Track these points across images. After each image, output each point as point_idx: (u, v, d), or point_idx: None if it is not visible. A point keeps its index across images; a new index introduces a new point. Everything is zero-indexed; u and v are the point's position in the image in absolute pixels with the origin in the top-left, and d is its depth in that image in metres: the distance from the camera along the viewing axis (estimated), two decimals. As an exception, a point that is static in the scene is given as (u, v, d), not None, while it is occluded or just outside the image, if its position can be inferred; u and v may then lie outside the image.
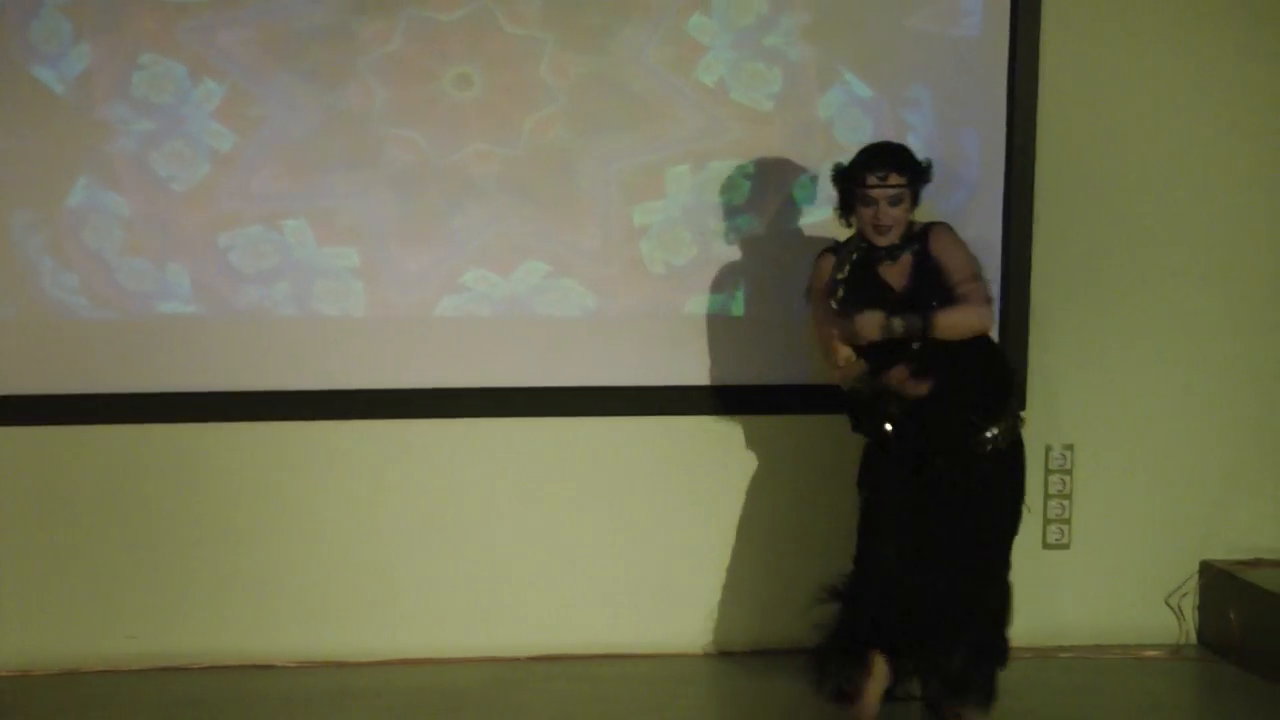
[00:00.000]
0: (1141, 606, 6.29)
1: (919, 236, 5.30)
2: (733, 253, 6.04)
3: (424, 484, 6.04)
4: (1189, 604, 6.31)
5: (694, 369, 6.07)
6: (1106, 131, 6.13)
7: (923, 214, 5.37)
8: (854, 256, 5.28)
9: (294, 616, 6.03)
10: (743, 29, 5.99)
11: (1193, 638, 6.31)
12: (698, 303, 6.07)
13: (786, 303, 5.95)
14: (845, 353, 5.25)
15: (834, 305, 5.24)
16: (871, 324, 5.16)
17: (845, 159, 5.29)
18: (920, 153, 5.30)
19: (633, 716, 5.62)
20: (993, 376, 5.31)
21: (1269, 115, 6.18)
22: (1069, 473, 6.22)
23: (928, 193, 5.35)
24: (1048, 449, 6.18)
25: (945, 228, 5.36)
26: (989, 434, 5.24)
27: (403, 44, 5.87)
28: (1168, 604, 6.31)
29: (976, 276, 5.27)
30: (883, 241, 5.25)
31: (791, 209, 6.04)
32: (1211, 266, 6.22)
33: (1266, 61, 6.16)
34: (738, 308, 6.07)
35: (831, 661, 5.42)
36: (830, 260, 5.33)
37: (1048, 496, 6.21)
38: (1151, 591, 6.30)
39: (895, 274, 5.28)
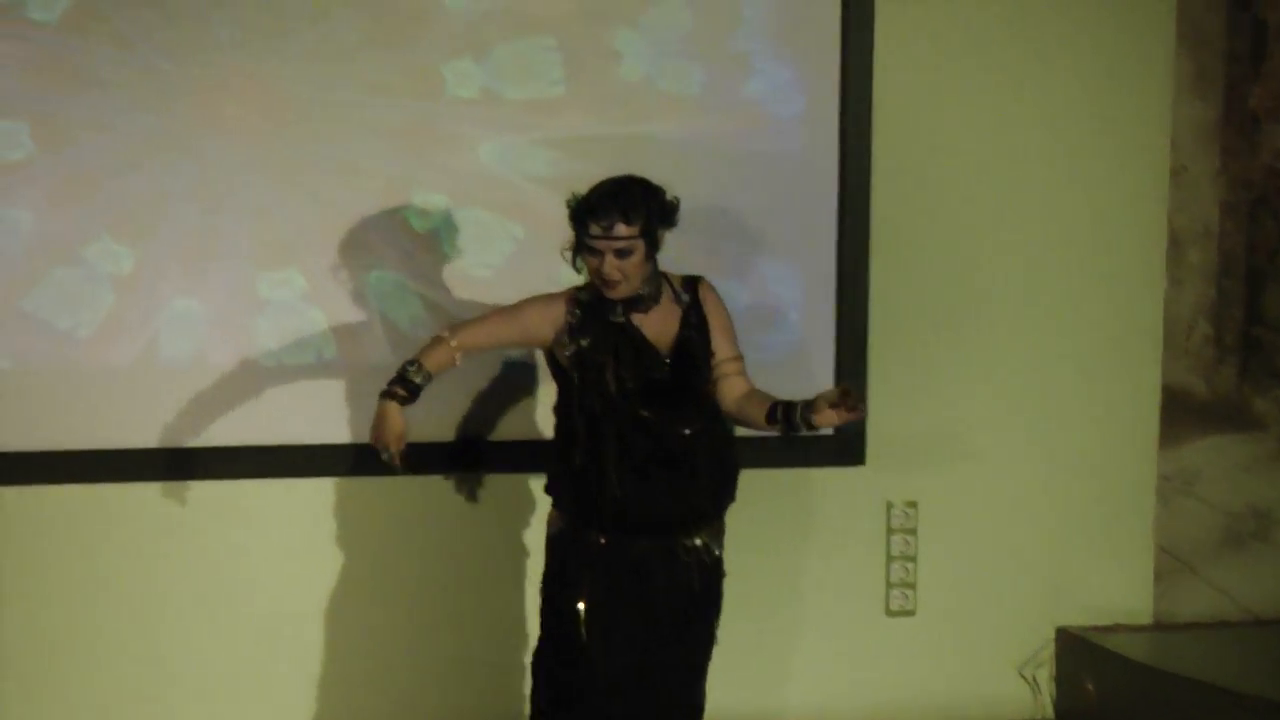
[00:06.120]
0: (993, 677, 6.03)
1: (685, 288, 4.70)
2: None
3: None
4: (1044, 674, 6.08)
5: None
6: (941, 185, 5.86)
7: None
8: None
9: None
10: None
11: (1049, 710, 6.08)
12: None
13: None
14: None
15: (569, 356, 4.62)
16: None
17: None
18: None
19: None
20: (728, 469, 4.75)
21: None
22: (913, 532, 5.94)
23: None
24: (889, 506, 5.89)
25: (712, 287, 4.76)
26: (699, 541, 4.67)
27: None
28: (1021, 674, 6.07)
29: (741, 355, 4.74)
30: (612, 295, 4.55)
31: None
32: (1059, 313, 6.00)
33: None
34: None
35: None
36: (560, 303, 4.64)
37: (890, 558, 5.92)
38: (1003, 660, 6.06)
39: (656, 327, 4.65)
